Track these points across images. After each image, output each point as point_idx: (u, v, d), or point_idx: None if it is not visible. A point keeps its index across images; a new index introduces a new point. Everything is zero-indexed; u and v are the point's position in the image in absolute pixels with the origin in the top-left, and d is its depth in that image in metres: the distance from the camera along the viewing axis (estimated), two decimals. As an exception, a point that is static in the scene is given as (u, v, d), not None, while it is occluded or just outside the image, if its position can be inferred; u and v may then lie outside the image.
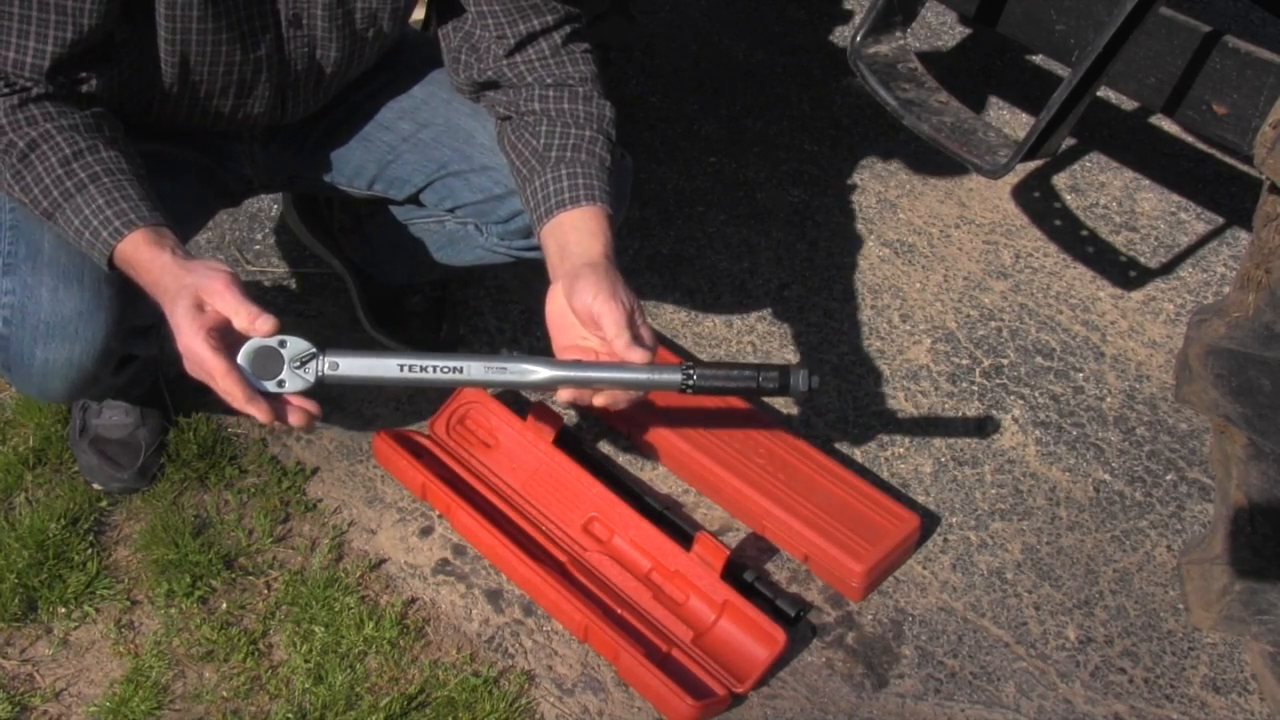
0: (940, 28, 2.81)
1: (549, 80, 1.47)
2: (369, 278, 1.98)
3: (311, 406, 1.26)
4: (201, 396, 1.87)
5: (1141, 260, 2.26)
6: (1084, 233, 2.31)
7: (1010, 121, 2.54)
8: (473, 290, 2.07)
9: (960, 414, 1.94)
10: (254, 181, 1.68)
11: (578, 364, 1.32)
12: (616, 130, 1.49)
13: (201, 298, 1.23)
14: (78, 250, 1.31)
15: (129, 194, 1.27)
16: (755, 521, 1.72)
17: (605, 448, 1.85)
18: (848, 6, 2.87)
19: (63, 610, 1.59)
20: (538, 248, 1.45)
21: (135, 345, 1.51)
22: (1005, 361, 2.04)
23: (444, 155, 1.61)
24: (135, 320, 1.47)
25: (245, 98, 1.48)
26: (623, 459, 1.84)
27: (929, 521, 1.76)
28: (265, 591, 1.63)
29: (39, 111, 1.28)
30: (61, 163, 1.26)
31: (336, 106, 1.62)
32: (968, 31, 2.80)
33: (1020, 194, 2.40)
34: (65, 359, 1.41)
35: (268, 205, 2.21)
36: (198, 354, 1.22)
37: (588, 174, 1.42)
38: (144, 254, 1.26)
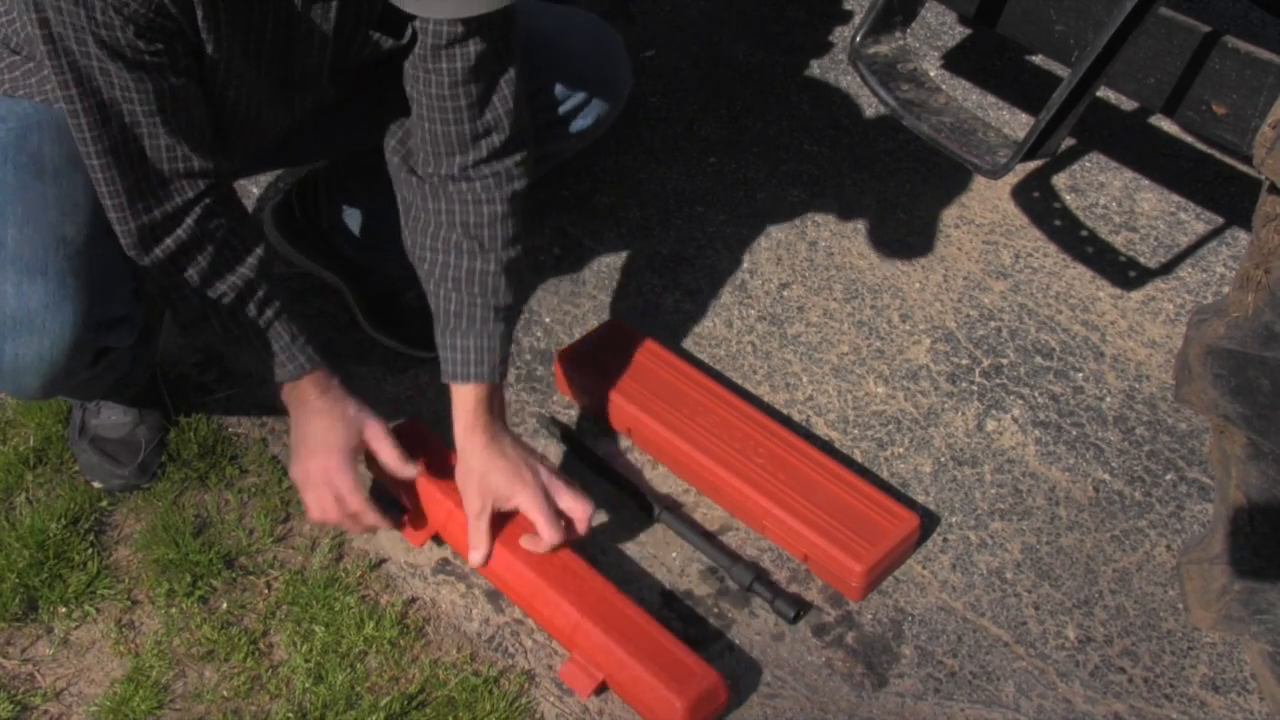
0: (940, 28, 2.81)
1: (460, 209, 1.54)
2: (363, 279, 1.98)
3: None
4: (201, 396, 1.87)
5: (1141, 260, 2.26)
6: (1084, 233, 2.31)
7: (1010, 121, 2.54)
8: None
9: (960, 414, 1.94)
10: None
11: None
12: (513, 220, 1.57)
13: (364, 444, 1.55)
14: (42, 242, 1.36)
15: (300, 342, 1.51)
16: (755, 521, 1.72)
17: (606, 447, 1.85)
18: (848, 6, 2.87)
19: (63, 610, 1.60)
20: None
21: (109, 337, 1.50)
22: (1005, 361, 2.04)
23: None
24: (106, 312, 1.46)
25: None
26: (622, 460, 1.84)
27: (929, 521, 1.76)
28: (265, 591, 1.64)
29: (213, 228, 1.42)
30: (249, 301, 1.46)
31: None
32: (968, 31, 2.81)
33: (1020, 194, 2.40)
34: (35, 354, 1.40)
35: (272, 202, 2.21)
36: (357, 507, 1.53)
37: (465, 348, 1.55)
38: (320, 382, 1.53)
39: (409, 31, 1.45)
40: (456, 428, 1.56)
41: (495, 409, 1.57)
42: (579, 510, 1.58)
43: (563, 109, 1.70)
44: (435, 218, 1.54)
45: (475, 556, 1.59)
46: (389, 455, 1.57)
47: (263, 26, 1.36)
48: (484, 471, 1.55)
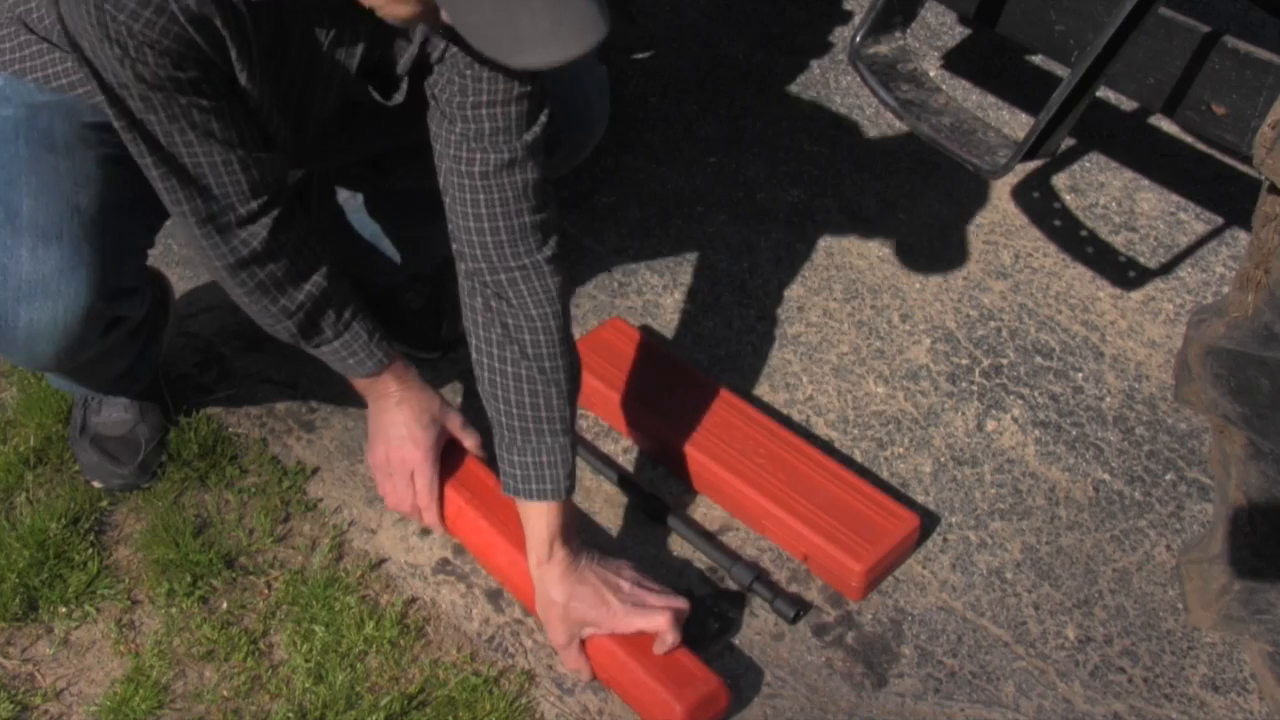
0: (940, 28, 2.81)
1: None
2: (361, 283, 1.98)
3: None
4: (201, 396, 1.87)
5: (1141, 260, 2.26)
6: (1083, 233, 2.32)
7: (1010, 121, 2.54)
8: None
9: (960, 414, 1.94)
10: None
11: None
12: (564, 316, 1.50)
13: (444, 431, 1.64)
14: (56, 210, 1.40)
15: (377, 338, 1.56)
16: (755, 521, 1.72)
17: (606, 448, 1.86)
18: (848, 6, 2.87)
19: (63, 610, 1.60)
20: None
21: (121, 306, 1.52)
22: (1005, 361, 2.04)
23: None
24: (120, 281, 1.49)
25: None
26: (624, 459, 1.84)
27: (928, 521, 1.76)
28: (265, 591, 1.64)
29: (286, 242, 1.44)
30: (337, 310, 1.51)
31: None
32: (968, 31, 2.81)
33: (1020, 194, 2.40)
34: (49, 318, 1.42)
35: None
36: (428, 504, 1.64)
37: (538, 463, 1.48)
38: (399, 374, 1.59)
39: (400, 94, 1.43)
40: (530, 557, 1.50)
41: (569, 530, 1.49)
42: (666, 616, 1.49)
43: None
44: (488, 329, 1.47)
45: (583, 676, 1.54)
46: (474, 446, 1.68)
47: (292, 64, 1.36)
48: (566, 603, 1.48)
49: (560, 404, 1.48)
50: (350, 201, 1.90)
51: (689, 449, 1.75)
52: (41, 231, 1.40)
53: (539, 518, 1.48)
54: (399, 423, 1.61)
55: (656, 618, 1.48)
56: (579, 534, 1.52)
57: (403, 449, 1.62)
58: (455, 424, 1.67)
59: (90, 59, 1.25)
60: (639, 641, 1.50)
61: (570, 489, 1.48)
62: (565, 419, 1.49)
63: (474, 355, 1.50)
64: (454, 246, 1.48)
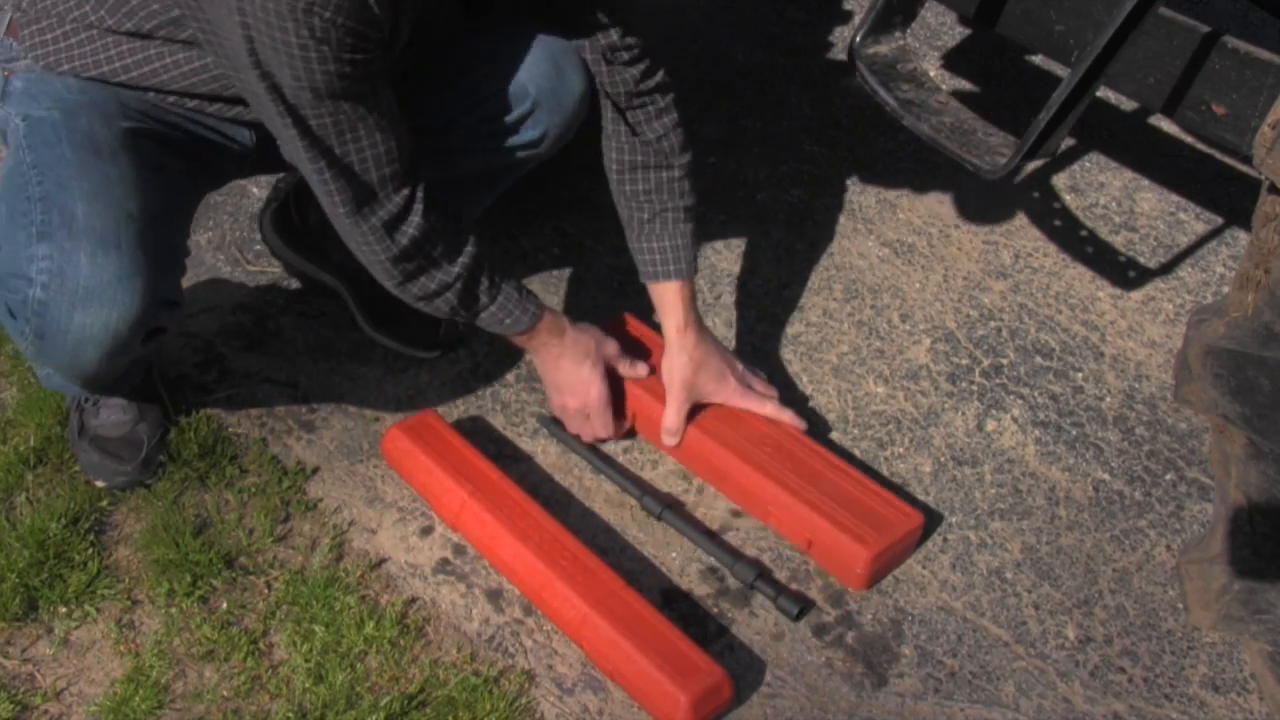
0: (940, 28, 2.81)
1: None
2: (359, 280, 1.98)
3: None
4: (201, 396, 1.87)
5: (1141, 260, 2.26)
6: (1084, 233, 2.32)
7: (1010, 121, 2.54)
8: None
9: (960, 414, 1.94)
10: (252, 155, 1.70)
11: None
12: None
13: (604, 357, 1.78)
14: (112, 217, 1.43)
15: (525, 292, 1.68)
16: (760, 506, 1.72)
17: (606, 448, 1.86)
18: (848, 6, 2.87)
19: (63, 610, 1.60)
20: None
21: (164, 318, 1.53)
22: (1005, 361, 2.04)
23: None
24: (166, 292, 1.50)
25: None
26: (624, 458, 1.84)
27: (930, 521, 1.76)
28: (265, 591, 1.64)
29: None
30: (488, 275, 1.62)
31: None
32: (968, 31, 2.81)
33: (1020, 194, 2.40)
34: (102, 324, 1.43)
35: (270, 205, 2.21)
36: (605, 407, 1.79)
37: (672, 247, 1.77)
38: (548, 323, 1.71)
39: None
40: (668, 325, 1.77)
41: (696, 305, 1.78)
42: (772, 401, 1.81)
43: (508, 118, 1.69)
44: (617, 137, 1.72)
45: (670, 440, 1.80)
46: (630, 371, 1.82)
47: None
48: (695, 368, 1.76)
49: (688, 193, 1.76)
50: None
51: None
52: (99, 238, 1.41)
53: (674, 291, 1.75)
54: (566, 370, 1.75)
55: (765, 404, 1.80)
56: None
57: (577, 396, 1.77)
58: (613, 352, 1.79)
59: (272, 73, 1.31)
60: (643, 633, 1.51)
61: (695, 270, 1.78)
62: (690, 207, 1.76)
63: (608, 163, 1.76)
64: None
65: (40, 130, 1.46)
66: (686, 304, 1.76)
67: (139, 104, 1.54)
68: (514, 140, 1.72)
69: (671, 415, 1.78)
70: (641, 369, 1.81)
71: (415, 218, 1.51)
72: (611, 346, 1.79)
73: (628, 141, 1.73)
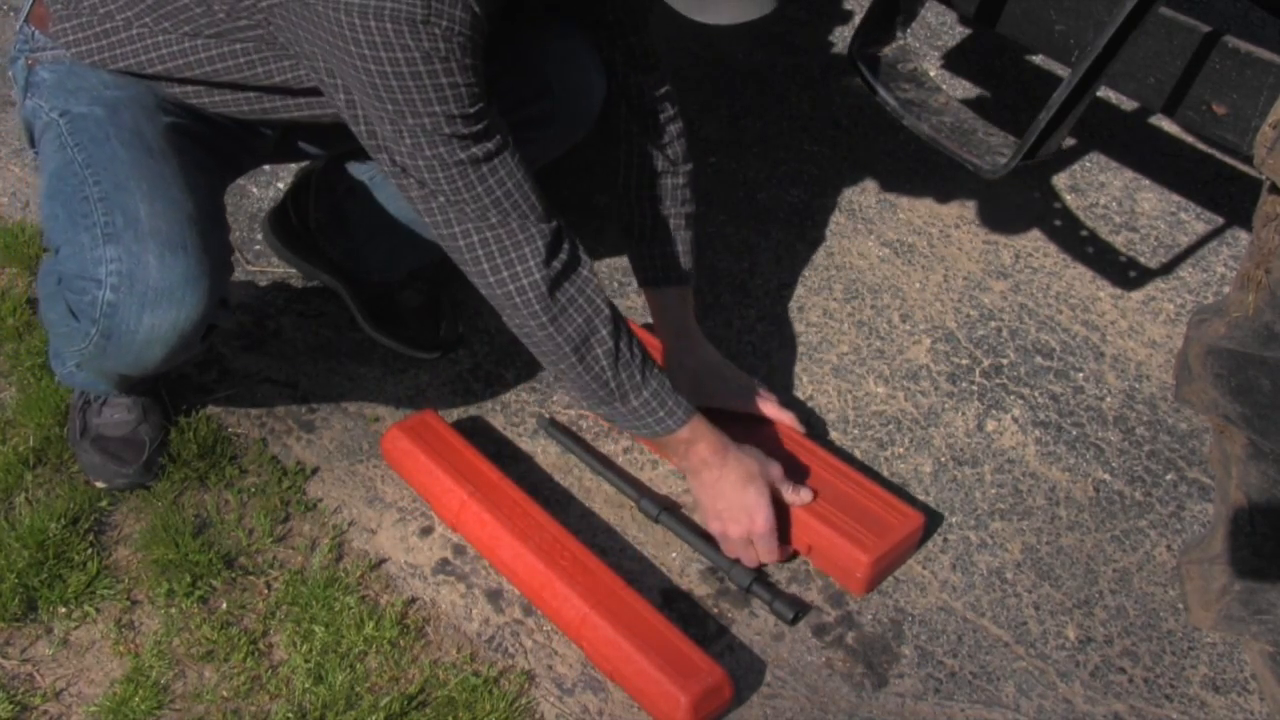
0: (940, 28, 2.81)
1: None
2: (357, 280, 1.98)
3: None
4: (201, 396, 1.87)
5: (1141, 260, 2.26)
6: (1084, 233, 2.32)
7: (1010, 121, 2.54)
8: (470, 290, 2.07)
9: (960, 414, 1.94)
10: (270, 145, 1.71)
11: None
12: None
13: (769, 480, 1.63)
14: (175, 218, 1.43)
15: (670, 386, 1.57)
16: None
17: (605, 448, 1.85)
18: (848, 6, 2.87)
19: (63, 610, 1.60)
20: None
21: (219, 315, 1.54)
22: (1005, 361, 2.04)
23: None
24: (223, 291, 1.52)
25: None
26: (624, 459, 1.84)
27: (931, 521, 1.76)
28: (265, 591, 1.64)
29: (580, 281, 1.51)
30: (640, 348, 1.54)
31: None
32: (968, 31, 2.81)
33: (1020, 194, 2.40)
34: (170, 324, 1.44)
35: (268, 206, 2.21)
36: (773, 534, 1.63)
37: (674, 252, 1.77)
38: (703, 430, 1.59)
39: None
40: (665, 331, 1.77)
41: (694, 312, 1.78)
42: (785, 416, 1.79)
43: (527, 114, 1.68)
44: (628, 139, 1.72)
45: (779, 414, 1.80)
46: (792, 496, 1.66)
47: None
48: (696, 372, 1.76)
49: (690, 200, 1.77)
50: (348, 196, 1.90)
51: None
52: (166, 240, 1.41)
53: (677, 300, 1.77)
54: (728, 496, 1.61)
55: (765, 405, 1.78)
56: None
57: (740, 525, 1.62)
58: (778, 475, 1.65)
59: (408, 125, 1.32)
60: (643, 633, 1.51)
61: (694, 277, 1.79)
62: (691, 215, 1.77)
63: (621, 168, 1.74)
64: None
65: (85, 127, 1.46)
66: (687, 310, 1.76)
67: (170, 98, 1.54)
68: (531, 133, 1.71)
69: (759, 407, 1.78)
70: (806, 495, 1.67)
71: (567, 240, 1.47)
72: (776, 470, 1.65)
73: (638, 145, 1.73)
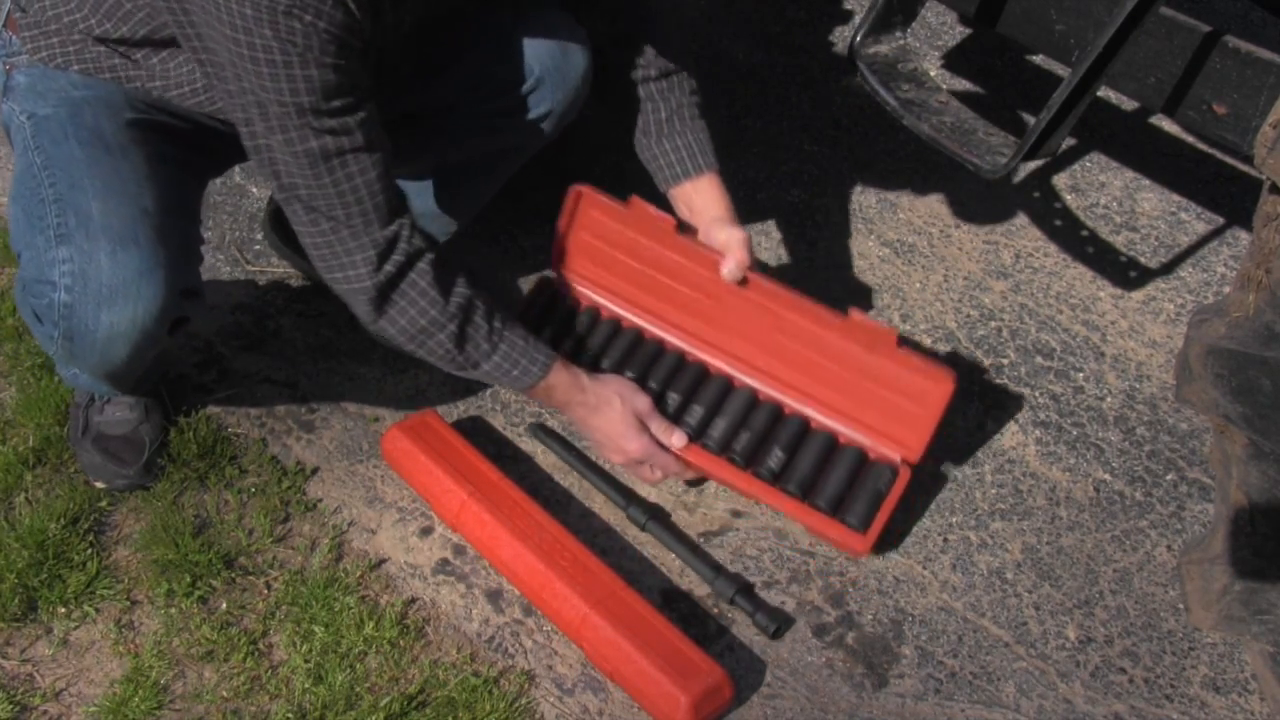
0: (940, 28, 2.81)
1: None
2: None
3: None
4: (201, 396, 1.87)
5: (1141, 260, 2.26)
6: (1084, 233, 2.31)
7: (1010, 121, 2.54)
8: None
9: (960, 414, 1.94)
10: None
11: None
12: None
13: (634, 411, 1.67)
14: (128, 213, 1.42)
15: (530, 338, 1.60)
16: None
17: (599, 452, 1.85)
18: (848, 6, 2.87)
19: (63, 610, 1.59)
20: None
21: (188, 307, 1.54)
22: (1005, 361, 2.04)
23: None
24: (187, 281, 1.51)
25: None
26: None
27: (932, 513, 1.76)
28: (265, 591, 1.64)
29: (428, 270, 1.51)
30: (486, 319, 1.55)
31: None
32: (968, 31, 2.81)
33: (1020, 194, 2.40)
34: (129, 320, 1.44)
35: (268, 206, 2.21)
36: (653, 453, 1.67)
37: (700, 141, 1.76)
38: (560, 375, 1.61)
39: None
40: (710, 215, 1.75)
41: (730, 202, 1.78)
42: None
43: (513, 95, 1.69)
44: (631, 63, 1.72)
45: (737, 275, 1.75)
46: (659, 428, 1.70)
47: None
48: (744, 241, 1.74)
49: (698, 91, 1.77)
50: None
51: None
52: (117, 235, 1.41)
53: (712, 184, 1.76)
54: (605, 426, 1.67)
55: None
56: None
57: (627, 450, 1.68)
58: (644, 408, 1.69)
59: (270, 110, 1.33)
60: (643, 633, 1.51)
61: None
62: (702, 105, 1.77)
63: (624, 82, 1.74)
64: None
65: (47, 129, 1.46)
66: (725, 191, 1.75)
67: (142, 95, 1.54)
68: (519, 118, 1.71)
69: (744, 258, 1.73)
70: (680, 438, 1.70)
71: (403, 245, 1.48)
72: (643, 402, 1.69)
73: (645, 105, 1.75)
